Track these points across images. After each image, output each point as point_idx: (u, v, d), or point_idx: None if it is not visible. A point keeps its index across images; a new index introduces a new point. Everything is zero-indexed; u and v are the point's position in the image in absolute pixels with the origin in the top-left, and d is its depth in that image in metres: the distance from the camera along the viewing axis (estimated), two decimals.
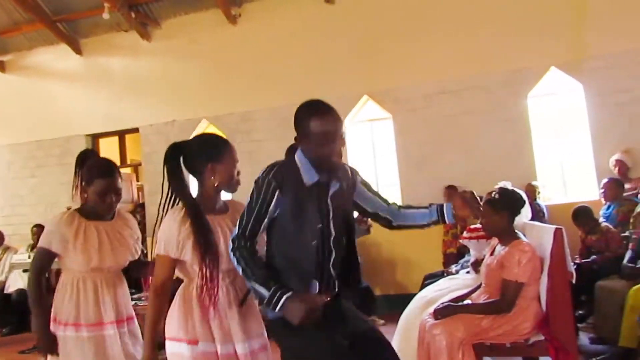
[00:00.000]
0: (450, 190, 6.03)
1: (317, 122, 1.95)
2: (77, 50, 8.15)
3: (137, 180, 9.49)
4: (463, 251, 5.03)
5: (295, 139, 2.04)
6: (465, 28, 6.44)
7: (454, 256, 5.59)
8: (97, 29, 7.97)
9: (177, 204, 2.11)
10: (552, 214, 5.83)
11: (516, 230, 3.14)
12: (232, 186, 2.13)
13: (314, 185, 2.02)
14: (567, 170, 6.63)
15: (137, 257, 2.57)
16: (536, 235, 3.26)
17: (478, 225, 3.79)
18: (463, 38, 6.42)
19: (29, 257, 6.07)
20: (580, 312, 4.86)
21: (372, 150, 7.32)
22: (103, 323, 2.37)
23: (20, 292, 6.89)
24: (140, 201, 8.44)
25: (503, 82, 6.28)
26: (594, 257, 4.62)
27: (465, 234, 4.20)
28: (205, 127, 7.70)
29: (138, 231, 2.59)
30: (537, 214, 5.68)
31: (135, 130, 7.94)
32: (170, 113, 7.69)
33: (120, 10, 7.27)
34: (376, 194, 2.29)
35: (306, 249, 2.00)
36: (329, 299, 2.03)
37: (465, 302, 3.14)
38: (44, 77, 8.40)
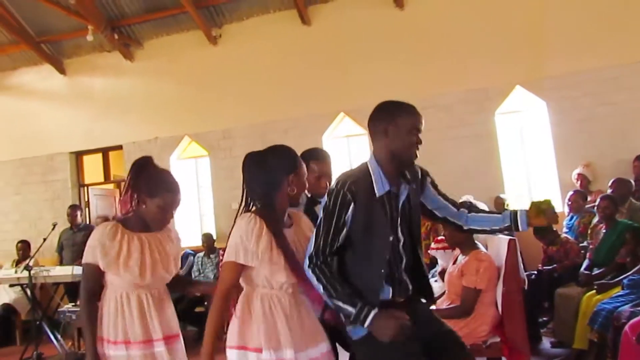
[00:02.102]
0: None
1: (405, 115, 2.01)
2: (61, 70, 8.32)
3: (119, 196, 9.64)
4: (434, 261, 5.29)
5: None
6: (434, 50, 6.75)
7: (427, 266, 5.83)
8: (80, 49, 8.15)
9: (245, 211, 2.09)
10: None
11: (476, 241, 3.41)
12: (299, 198, 2.12)
13: (385, 195, 2.01)
14: (532, 183, 6.96)
15: (175, 273, 2.43)
16: (495, 246, 3.55)
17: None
18: (433, 59, 6.72)
19: (15, 272, 6.14)
20: (544, 318, 5.16)
21: (349, 165, 7.58)
22: (152, 340, 2.25)
23: (6, 307, 6.99)
24: None
25: (471, 100, 6.59)
26: (554, 265, 4.91)
27: (433, 245, 4.47)
28: (187, 143, 7.92)
29: (180, 245, 2.47)
30: None
31: (119, 147, 8.10)
32: (153, 130, 7.87)
33: (103, 32, 7.46)
34: (445, 196, 2.24)
35: (377, 262, 1.98)
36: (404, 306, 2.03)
37: (430, 308, 3.39)
38: (28, 96, 8.52)
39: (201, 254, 6.86)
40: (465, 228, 2.22)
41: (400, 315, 1.90)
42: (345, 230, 1.97)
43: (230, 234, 2.03)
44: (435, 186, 2.21)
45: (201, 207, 8.14)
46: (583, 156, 6.14)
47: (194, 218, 8.10)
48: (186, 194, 7.93)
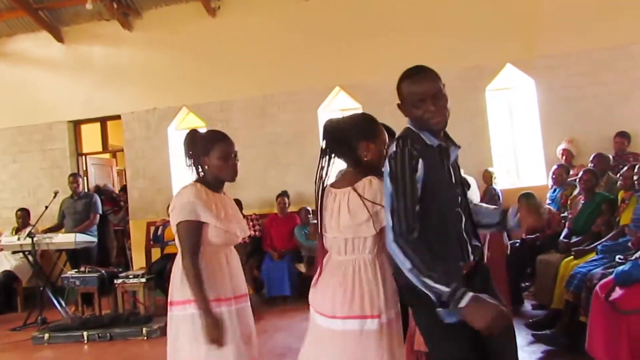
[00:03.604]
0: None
1: (405, 86, 1.88)
2: (59, 38, 8.35)
3: (117, 165, 9.83)
4: None
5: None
6: (429, 28, 6.93)
7: None
8: (78, 17, 8.18)
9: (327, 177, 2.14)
10: (506, 197, 6.43)
11: None
12: (381, 164, 2.04)
13: (438, 149, 1.90)
14: (519, 157, 7.27)
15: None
16: None
17: None
18: (426, 37, 6.90)
19: (18, 239, 6.33)
20: (527, 283, 5.51)
21: None
22: (239, 296, 2.36)
23: (7, 273, 7.19)
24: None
25: (463, 77, 6.81)
26: (537, 234, 5.23)
27: None
28: (185, 114, 8.07)
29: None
30: (493, 197, 6.30)
31: (117, 117, 8.22)
32: (151, 101, 7.98)
33: (102, 0, 7.53)
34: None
35: (452, 220, 1.89)
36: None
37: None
38: (26, 63, 8.55)
39: None
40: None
41: (497, 304, 1.69)
42: (419, 192, 1.80)
43: None
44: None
45: None
46: (568, 133, 6.43)
47: None
48: (184, 165, 8.16)
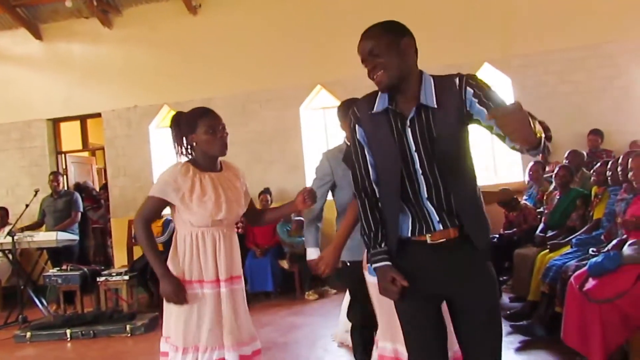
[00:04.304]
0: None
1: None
2: (37, 36, 8.26)
3: (96, 164, 9.76)
4: None
5: None
6: (410, 27, 7.02)
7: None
8: (57, 15, 8.12)
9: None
10: (484, 194, 6.58)
11: None
12: None
13: (388, 113, 1.80)
14: (496, 153, 7.42)
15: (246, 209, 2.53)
16: None
17: None
18: None
19: None
20: (505, 277, 5.65)
21: (325, 136, 7.89)
22: (219, 280, 2.33)
23: None
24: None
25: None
26: (514, 229, 5.37)
27: None
28: (166, 112, 8.06)
29: (245, 181, 2.55)
30: None
31: (97, 115, 8.18)
32: (132, 99, 7.96)
33: None
34: (494, 103, 1.72)
35: (391, 190, 1.81)
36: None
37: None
38: (3, 61, 8.46)
39: None
40: (508, 145, 1.77)
41: (395, 279, 1.77)
42: (368, 161, 1.85)
43: None
44: (478, 95, 1.75)
45: None
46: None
47: None
48: (165, 163, 8.15)
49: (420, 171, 1.78)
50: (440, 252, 1.79)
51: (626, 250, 3.45)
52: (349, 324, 3.32)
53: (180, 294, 2.26)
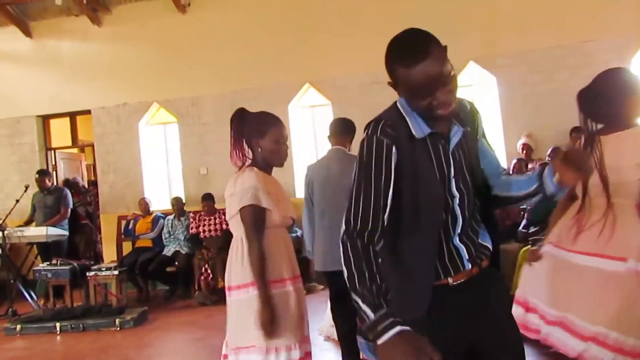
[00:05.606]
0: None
1: (402, 66, 1.42)
2: (27, 33, 8.28)
3: (86, 160, 9.79)
4: None
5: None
6: (395, 25, 6.76)
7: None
8: (47, 12, 8.14)
9: None
10: None
11: None
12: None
13: (428, 139, 1.49)
14: None
15: None
16: None
17: None
18: (393, 33, 7.05)
19: None
20: None
21: (314, 134, 7.97)
22: (297, 277, 2.38)
23: None
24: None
25: None
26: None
27: None
28: (156, 110, 8.11)
29: None
30: None
31: (87, 112, 8.21)
32: (122, 96, 8.00)
33: None
34: (493, 150, 1.69)
35: (430, 227, 1.49)
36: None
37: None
38: None
39: (171, 216, 7.16)
40: (492, 192, 1.65)
41: (426, 349, 1.30)
42: (391, 188, 1.45)
43: None
44: (485, 135, 1.67)
45: (170, 172, 8.40)
46: (527, 128, 6.72)
47: (163, 182, 8.36)
48: (155, 160, 8.21)
49: (458, 202, 1.51)
50: (462, 293, 1.52)
51: None
52: None
53: (274, 326, 2.18)
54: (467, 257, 1.52)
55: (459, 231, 1.51)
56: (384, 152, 1.44)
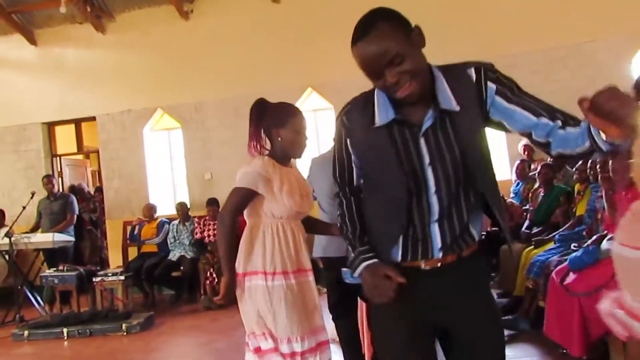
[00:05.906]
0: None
1: (352, 49, 1.42)
2: (32, 41, 8.35)
3: (91, 166, 9.86)
4: None
5: None
6: None
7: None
8: (51, 20, 8.21)
9: None
10: None
11: None
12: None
13: (391, 125, 1.47)
14: None
15: None
16: None
17: None
18: None
19: None
20: (492, 274, 5.77)
21: (317, 137, 8.00)
22: (305, 270, 2.35)
23: None
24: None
25: None
26: (495, 228, 5.48)
27: None
28: (160, 116, 8.16)
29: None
30: None
31: (92, 118, 8.27)
32: (126, 102, 8.06)
33: (76, 4, 7.57)
34: (525, 102, 1.50)
35: (391, 213, 1.51)
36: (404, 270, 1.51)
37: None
38: None
39: (176, 221, 7.21)
40: (552, 152, 1.45)
41: (392, 275, 1.46)
42: (354, 168, 1.62)
43: None
44: (503, 93, 1.49)
45: (174, 178, 8.44)
46: None
47: (168, 188, 8.41)
48: (159, 165, 8.26)
49: (434, 189, 1.47)
50: (434, 277, 1.53)
51: (604, 245, 3.57)
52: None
53: (231, 295, 2.26)
54: (439, 245, 1.51)
55: (435, 218, 1.49)
56: (342, 137, 1.61)
